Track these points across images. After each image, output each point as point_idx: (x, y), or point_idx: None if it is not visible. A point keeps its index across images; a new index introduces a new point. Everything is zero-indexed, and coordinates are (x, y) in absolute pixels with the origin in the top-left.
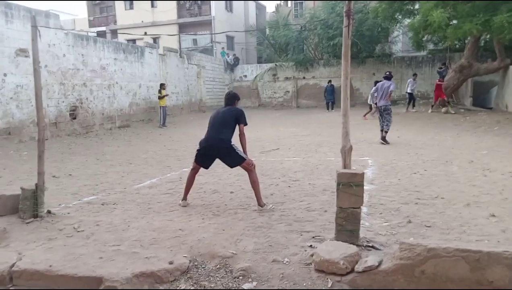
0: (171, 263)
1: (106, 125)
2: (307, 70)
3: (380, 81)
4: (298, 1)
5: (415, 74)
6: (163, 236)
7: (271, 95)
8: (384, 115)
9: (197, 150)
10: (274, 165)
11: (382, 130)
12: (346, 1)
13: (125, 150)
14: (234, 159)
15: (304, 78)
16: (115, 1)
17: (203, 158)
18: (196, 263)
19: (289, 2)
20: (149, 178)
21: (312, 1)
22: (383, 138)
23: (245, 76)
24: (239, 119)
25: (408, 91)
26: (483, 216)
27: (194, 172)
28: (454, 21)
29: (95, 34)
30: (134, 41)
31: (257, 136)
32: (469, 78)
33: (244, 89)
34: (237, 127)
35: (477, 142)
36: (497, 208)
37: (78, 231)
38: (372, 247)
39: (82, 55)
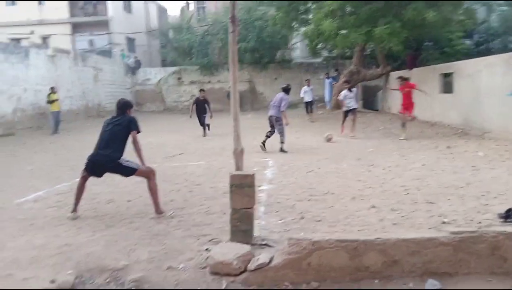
0: (52, 282)
1: None
2: (212, 74)
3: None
4: (201, 6)
5: (307, 80)
6: (45, 253)
7: (176, 99)
8: (277, 125)
9: (86, 162)
10: (177, 171)
11: (266, 136)
12: (230, 7)
13: (7, 162)
14: (124, 171)
15: (209, 82)
16: None
17: (92, 168)
18: (83, 279)
19: (192, 5)
20: (34, 191)
21: (214, 6)
22: (281, 149)
23: (148, 79)
24: (131, 126)
25: (308, 99)
26: (365, 207)
27: (83, 180)
28: (343, 31)
29: None
30: (18, 40)
31: (162, 141)
32: (358, 82)
33: (147, 93)
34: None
35: (365, 141)
36: (377, 200)
37: None
38: (266, 245)
39: None
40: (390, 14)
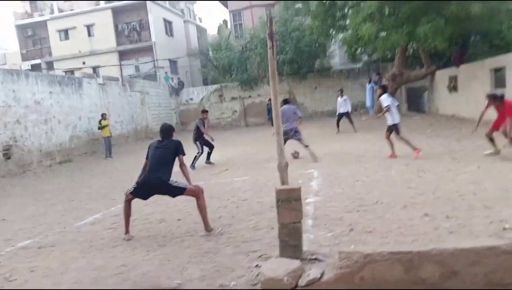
0: None
1: (45, 162)
2: (252, 89)
3: None
4: (238, 23)
5: (340, 90)
6: (104, 274)
7: (219, 116)
8: (296, 136)
9: (134, 186)
10: (223, 187)
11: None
12: (268, 23)
13: (67, 187)
14: (173, 191)
15: (250, 96)
16: (50, 33)
17: (141, 192)
18: None
19: (229, 23)
20: (92, 214)
21: (251, 21)
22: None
23: (191, 99)
24: (178, 151)
25: (343, 111)
26: (418, 216)
27: (129, 203)
28: (382, 34)
29: (29, 68)
30: (72, 72)
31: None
32: (402, 85)
33: (191, 112)
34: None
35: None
36: (430, 207)
37: (10, 281)
38: (316, 259)
39: (13, 91)
40: (432, 11)
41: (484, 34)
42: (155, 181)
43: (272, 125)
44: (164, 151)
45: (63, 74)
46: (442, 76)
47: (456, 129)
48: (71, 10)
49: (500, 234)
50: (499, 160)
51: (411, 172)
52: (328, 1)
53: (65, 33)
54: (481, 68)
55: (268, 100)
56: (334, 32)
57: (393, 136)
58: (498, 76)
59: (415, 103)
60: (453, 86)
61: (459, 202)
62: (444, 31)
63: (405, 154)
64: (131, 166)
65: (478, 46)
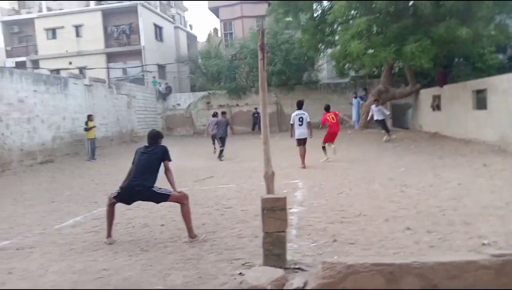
0: None
1: (26, 161)
2: (240, 97)
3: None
4: (228, 32)
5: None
6: (84, 278)
7: (205, 123)
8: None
9: (118, 191)
10: (208, 194)
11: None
12: (259, 36)
13: (48, 188)
14: (157, 198)
15: (237, 105)
16: (37, 31)
17: (125, 197)
18: None
19: (219, 32)
20: (72, 216)
21: (241, 31)
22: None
23: (179, 104)
24: (165, 156)
25: (379, 118)
26: (399, 230)
27: (112, 207)
28: (370, 51)
29: (13, 65)
30: (58, 71)
31: (192, 164)
32: (387, 101)
33: (178, 117)
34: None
35: (396, 160)
36: (412, 221)
37: None
38: (299, 268)
39: None
40: (419, 31)
41: (467, 56)
42: (139, 187)
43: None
44: (150, 157)
45: (49, 73)
46: (426, 94)
47: (439, 146)
48: (60, 10)
49: (479, 249)
50: (479, 177)
51: (394, 187)
52: (318, 16)
53: (52, 32)
54: (463, 89)
55: (255, 109)
56: (323, 47)
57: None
58: (480, 97)
59: (399, 119)
60: (436, 105)
61: (439, 217)
62: (430, 51)
63: (389, 168)
64: (114, 169)
65: (461, 68)
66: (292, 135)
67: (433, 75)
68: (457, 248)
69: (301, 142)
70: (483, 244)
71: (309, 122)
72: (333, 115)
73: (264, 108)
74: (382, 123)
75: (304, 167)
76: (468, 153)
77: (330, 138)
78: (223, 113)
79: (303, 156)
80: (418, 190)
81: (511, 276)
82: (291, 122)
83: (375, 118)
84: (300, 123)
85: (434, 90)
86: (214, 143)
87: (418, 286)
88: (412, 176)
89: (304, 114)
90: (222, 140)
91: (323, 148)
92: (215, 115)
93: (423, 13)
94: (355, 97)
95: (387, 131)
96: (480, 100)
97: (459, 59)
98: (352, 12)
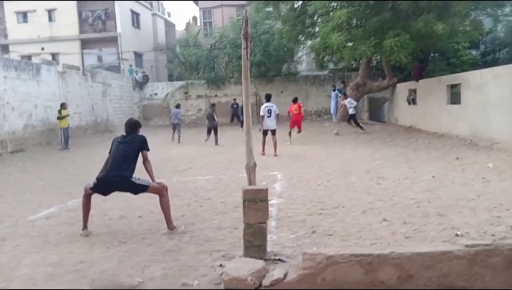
0: None
1: None
2: (219, 88)
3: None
4: (207, 21)
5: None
6: (60, 271)
7: (183, 113)
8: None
9: (95, 182)
10: (186, 185)
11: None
12: (243, 24)
13: (19, 178)
14: (135, 189)
15: (216, 96)
16: (6, 13)
17: (102, 188)
18: None
19: (198, 21)
20: (46, 207)
21: (221, 21)
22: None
23: (156, 94)
24: (143, 146)
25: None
26: (377, 221)
27: (88, 198)
28: (350, 43)
29: None
30: (29, 57)
31: (169, 155)
32: (364, 94)
33: (155, 107)
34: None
35: (372, 153)
36: (388, 213)
37: None
38: (279, 259)
39: None
40: (398, 26)
41: (442, 51)
42: (116, 178)
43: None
44: (128, 147)
45: (19, 59)
46: (403, 88)
47: (413, 140)
48: None
49: (453, 240)
50: (452, 170)
51: (371, 179)
52: (298, 8)
53: (23, 16)
54: (438, 83)
55: (234, 100)
56: (303, 38)
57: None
58: (454, 92)
59: (375, 112)
60: (412, 99)
61: (415, 209)
62: (409, 46)
63: (365, 161)
64: (88, 159)
65: (436, 63)
66: (261, 127)
67: (410, 69)
68: (432, 239)
69: (267, 133)
70: (457, 235)
71: (277, 114)
72: (296, 107)
73: (247, 98)
74: (353, 117)
75: (263, 154)
76: (441, 146)
77: (293, 124)
78: (213, 105)
79: (264, 143)
80: (394, 182)
81: (483, 266)
82: (261, 114)
83: (350, 112)
84: (269, 115)
85: (410, 84)
86: (174, 133)
87: (395, 276)
88: (388, 169)
89: (273, 106)
90: (215, 130)
91: (289, 133)
92: (178, 106)
93: (402, 8)
94: (334, 90)
95: (358, 125)
96: (454, 95)
97: (435, 54)
98: (333, 3)
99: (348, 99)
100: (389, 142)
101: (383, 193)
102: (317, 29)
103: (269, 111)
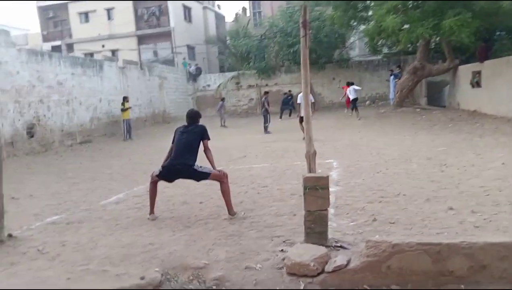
0: (142, 278)
1: (66, 141)
2: (270, 77)
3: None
4: (257, 11)
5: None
6: (133, 251)
7: (235, 103)
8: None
9: (160, 169)
10: (242, 173)
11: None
12: (302, 12)
13: (88, 167)
14: (198, 176)
15: (267, 85)
16: (70, 15)
17: (167, 175)
18: (168, 277)
19: (248, 11)
20: (115, 193)
21: (270, 10)
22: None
23: (208, 85)
24: (204, 135)
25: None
26: (442, 209)
27: (154, 184)
28: (406, 26)
29: (50, 49)
30: (92, 54)
31: (224, 144)
32: (423, 78)
33: (208, 98)
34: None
35: (434, 140)
36: (455, 201)
37: (43, 253)
38: (341, 247)
39: (37, 71)
40: (459, 4)
41: (510, 30)
42: (180, 166)
43: (281, 117)
44: (190, 136)
45: (83, 56)
46: (465, 71)
47: (479, 125)
48: None
49: None
50: None
51: (433, 166)
52: None
53: (85, 16)
54: (506, 64)
55: (289, 91)
56: (355, 23)
57: None
58: None
59: (435, 97)
60: (476, 82)
61: (484, 197)
62: (471, 25)
63: (426, 147)
64: (150, 149)
65: (503, 42)
66: (298, 114)
67: (473, 50)
68: (504, 229)
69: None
70: None
71: (313, 102)
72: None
73: (306, 87)
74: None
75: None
76: (510, 132)
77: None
78: (266, 92)
79: (303, 129)
80: (459, 170)
81: None
82: (298, 101)
83: (352, 97)
84: None
85: (474, 66)
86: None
87: (466, 267)
88: (452, 156)
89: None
90: (265, 117)
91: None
92: (223, 99)
93: None
94: (391, 74)
95: (356, 109)
96: None
97: (501, 33)
98: None
99: (352, 87)
100: (452, 128)
101: (448, 180)
102: (370, 12)
103: None
